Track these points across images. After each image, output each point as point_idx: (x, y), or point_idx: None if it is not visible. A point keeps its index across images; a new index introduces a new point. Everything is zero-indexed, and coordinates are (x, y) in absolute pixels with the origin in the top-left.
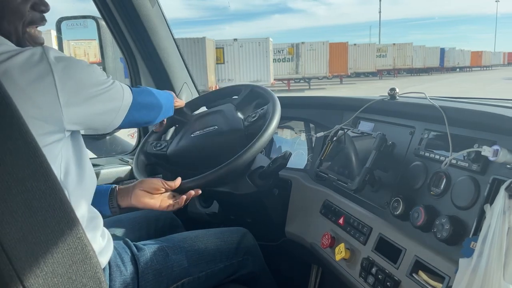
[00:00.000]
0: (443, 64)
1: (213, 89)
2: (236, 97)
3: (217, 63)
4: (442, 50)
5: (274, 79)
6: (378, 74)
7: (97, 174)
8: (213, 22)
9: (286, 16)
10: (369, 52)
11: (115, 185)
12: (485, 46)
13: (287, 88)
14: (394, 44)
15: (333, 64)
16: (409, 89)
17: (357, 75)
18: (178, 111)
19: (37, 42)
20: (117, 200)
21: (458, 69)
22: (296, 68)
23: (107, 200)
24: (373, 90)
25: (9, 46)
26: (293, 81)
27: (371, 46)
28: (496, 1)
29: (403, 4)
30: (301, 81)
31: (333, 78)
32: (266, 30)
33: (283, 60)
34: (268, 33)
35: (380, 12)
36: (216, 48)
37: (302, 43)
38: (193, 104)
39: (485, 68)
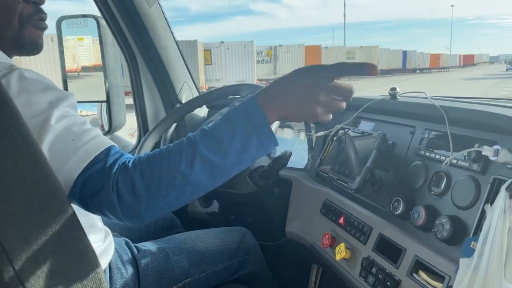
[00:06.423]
0: (405, 66)
1: (204, 89)
2: (238, 97)
3: (205, 64)
4: (404, 53)
5: (257, 80)
6: None
7: None
8: (174, 23)
9: (248, 18)
10: (339, 54)
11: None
12: (440, 49)
13: None
14: (361, 47)
15: None
16: (379, 89)
17: None
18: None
19: (36, 44)
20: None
21: (418, 71)
22: (274, 69)
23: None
24: None
25: None
26: (270, 81)
27: (341, 49)
28: (451, 6)
29: (361, 7)
30: None
31: None
32: (229, 31)
33: (262, 61)
34: (231, 34)
35: (344, 16)
36: (204, 50)
37: (280, 45)
38: (193, 104)
39: (443, 70)
